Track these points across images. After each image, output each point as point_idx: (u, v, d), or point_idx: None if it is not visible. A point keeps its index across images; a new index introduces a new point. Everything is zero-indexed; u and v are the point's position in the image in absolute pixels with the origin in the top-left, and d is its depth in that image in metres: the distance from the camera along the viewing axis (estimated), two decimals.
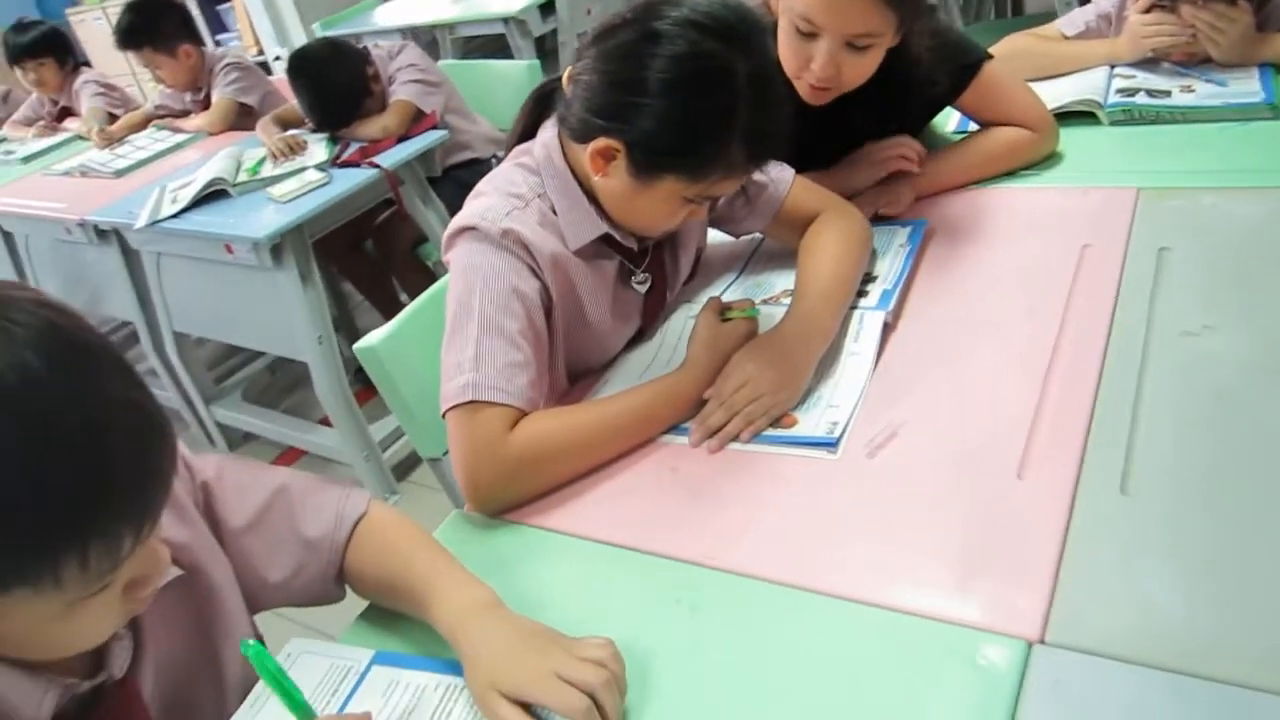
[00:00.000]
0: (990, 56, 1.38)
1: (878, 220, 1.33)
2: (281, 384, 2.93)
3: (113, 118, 3.35)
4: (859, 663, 0.75)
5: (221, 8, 5.67)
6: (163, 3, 3.12)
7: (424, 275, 2.62)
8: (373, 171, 2.23)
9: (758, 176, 1.20)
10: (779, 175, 1.23)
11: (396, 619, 0.89)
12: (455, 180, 2.53)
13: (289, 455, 2.68)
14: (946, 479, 0.89)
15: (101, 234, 2.54)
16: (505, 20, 3.65)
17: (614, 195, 1.05)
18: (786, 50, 1.23)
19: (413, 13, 4.11)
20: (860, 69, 1.22)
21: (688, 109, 0.95)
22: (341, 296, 3.11)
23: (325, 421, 2.44)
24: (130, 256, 2.56)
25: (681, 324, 1.21)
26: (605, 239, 1.10)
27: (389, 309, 2.76)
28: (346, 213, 2.28)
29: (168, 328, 2.61)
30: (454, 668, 0.80)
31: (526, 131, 1.16)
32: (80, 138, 3.36)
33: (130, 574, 0.68)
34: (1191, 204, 1.23)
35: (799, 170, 1.27)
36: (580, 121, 1.01)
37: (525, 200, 1.07)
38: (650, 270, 1.18)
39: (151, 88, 3.80)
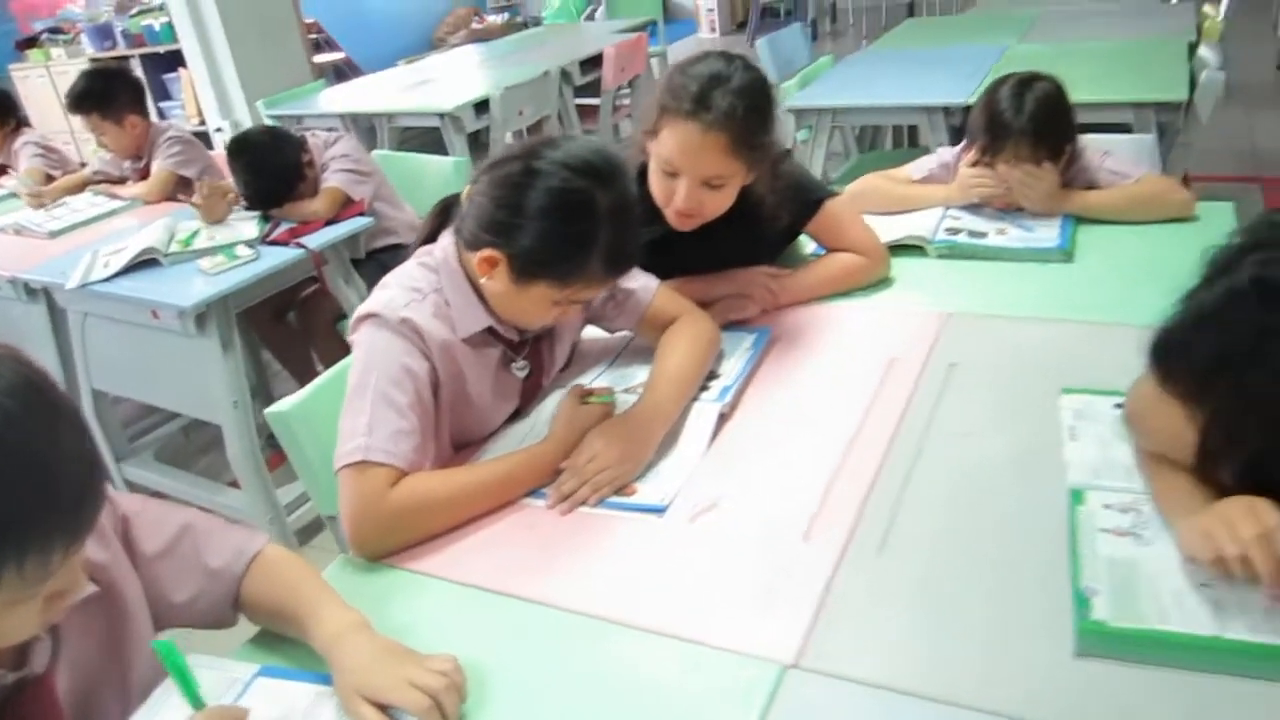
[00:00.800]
0: (834, 194, 1.65)
1: (731, 326, 1.56)
2: (195, 446, 3.03)
3: (50, 179, 3.47)
4: (656, 682, 0.93)
5: (168, 76, 5.84)
6: (118, 74, 3.30)
7: (342, 348, 2.72)
8: (299, 251, 2.41)
9: (627, 284, 1.43)
10: (646, 284, 1.46)
11: (282, 643, 1.05)
12: (378, 262, 2.72)
13: None
14: (748, 540, 1.10)
15: (30, 291, 2.66)
16: (441, 115, 3.90)
17: (497, 295, 1.26)
18: (656, 186, 1.48)
19: (354, 101, 4.34)
20: (717, 202, 1.47)
21: (557, 231, 1.18)
22: (261, 364, 3.25)
23: (235, 484, 2.56)
24: (56, 314, 2.68)
25: (554, 404, 1.40)
26: (490, 330, 1.31)
27: (305, 378, 2.88)
28: (271, 287, 2.45)
29: (86, 385, 2.71)
30: (327, 680, 0.96)
31: (431, 235, 1.37)
32: (15, 195, 3.47)
33: (55, 586, 0.83)
34: (984, 328, 1.49)
35: (676, 277, 1.50)
36: (472, 233, 1.23)
37: (423, 294, 1.27)
38: (529, 358, 1.39)
39: (91, 151, 3.93)
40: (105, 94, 3.12)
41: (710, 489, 1.20)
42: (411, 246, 1.39)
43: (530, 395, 1.43)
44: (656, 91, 1.46)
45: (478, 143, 4.11)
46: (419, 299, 1.26)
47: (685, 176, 1.42)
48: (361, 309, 1.26)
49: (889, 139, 4.14)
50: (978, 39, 3.65)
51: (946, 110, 2.94)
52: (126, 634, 0.99)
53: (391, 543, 1.17)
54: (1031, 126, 1.75)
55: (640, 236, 1.25)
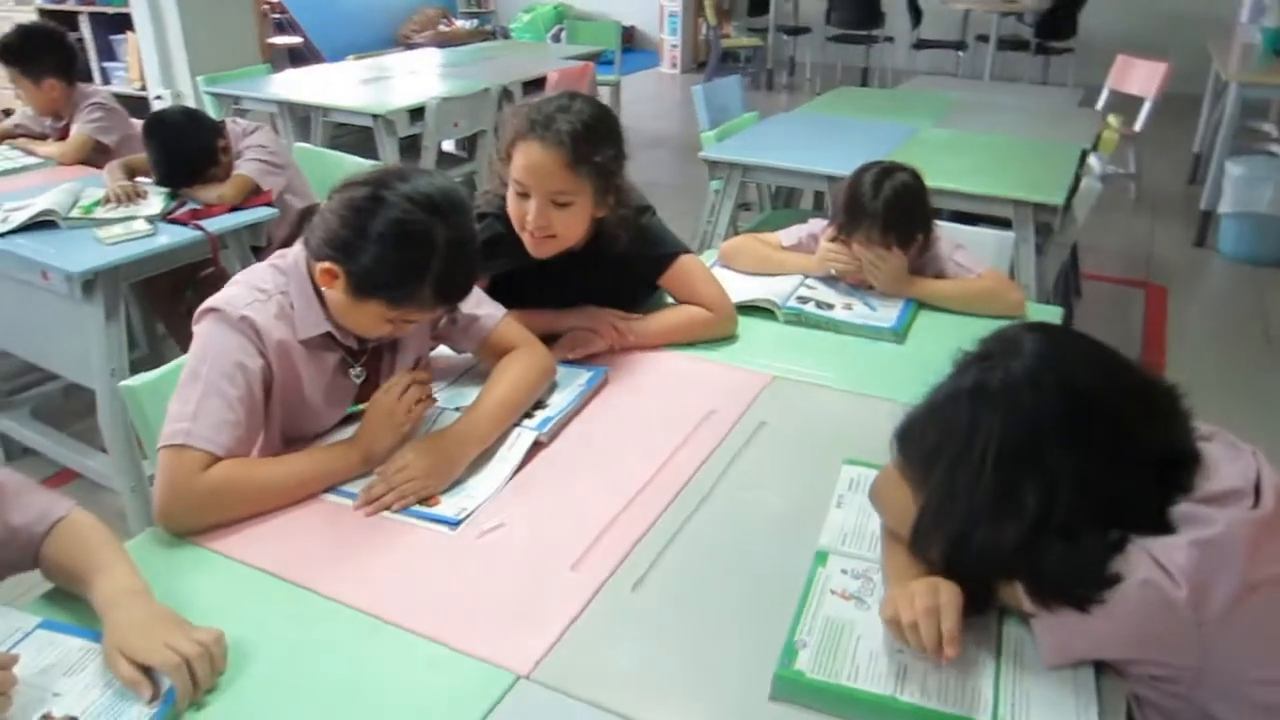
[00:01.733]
0: (687, 250, 1.78)
1: (571, 363, 1.66)
2: (73, 408, 3.03)
3: None
4: (398, 676, 1.02)
5: (115, 37, 5.80)
6: (49, 34, 3.31)
7: None
8: (198, 233, 2.46)
9: (474, 310, 1.53)
10: (492, 312, 1.56)
11: (73, 602, 1.11)
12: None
13: (62, 475, 2.78)
14: (522, 562, 1.19)
15: None
16: (375, 116, 3.97)
17: (336, 304, 1.35)
18: (512, 209, 1.61)
19: (293, 90, 4.38)
20: (566, 222, 1.59)
21: (393, 257, 1.27)
22: (155, 336, 3.27)
23: (105, 450, 2.58)
24: None
25: None
26: (330, 335, 1.39)
27: None
28: (165, 264, 2.49)
29: None
30: (99, 638, 1.03)
31: (289, 239, 1.45)
32: None
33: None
34: (801, 394, 1.62)
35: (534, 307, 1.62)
36: (317, 245, 1.31)
37: (268, 295, 1.35)
38: (368, 366, 1.47)
39: (16, 101, 3.92)
40: (28, 52, 3.14)
41: (503, 509, 1.29)
42: (269, 249, 1.47)
43: (366, 401, 1.51)
44: (510, 122, 1.59)
45: (412, 148, 4.18)
46: (262, 299, 1.34)
47: (534, 194, 1.56)
48: (206, 303, 1.33)
49: (808, 198, 4.31)
50: (897, 116, 3.83)
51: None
52: None
53: (197, 522, 1.24)
54: (884, 213, 1.89)
55: (474, 270, 1.35)
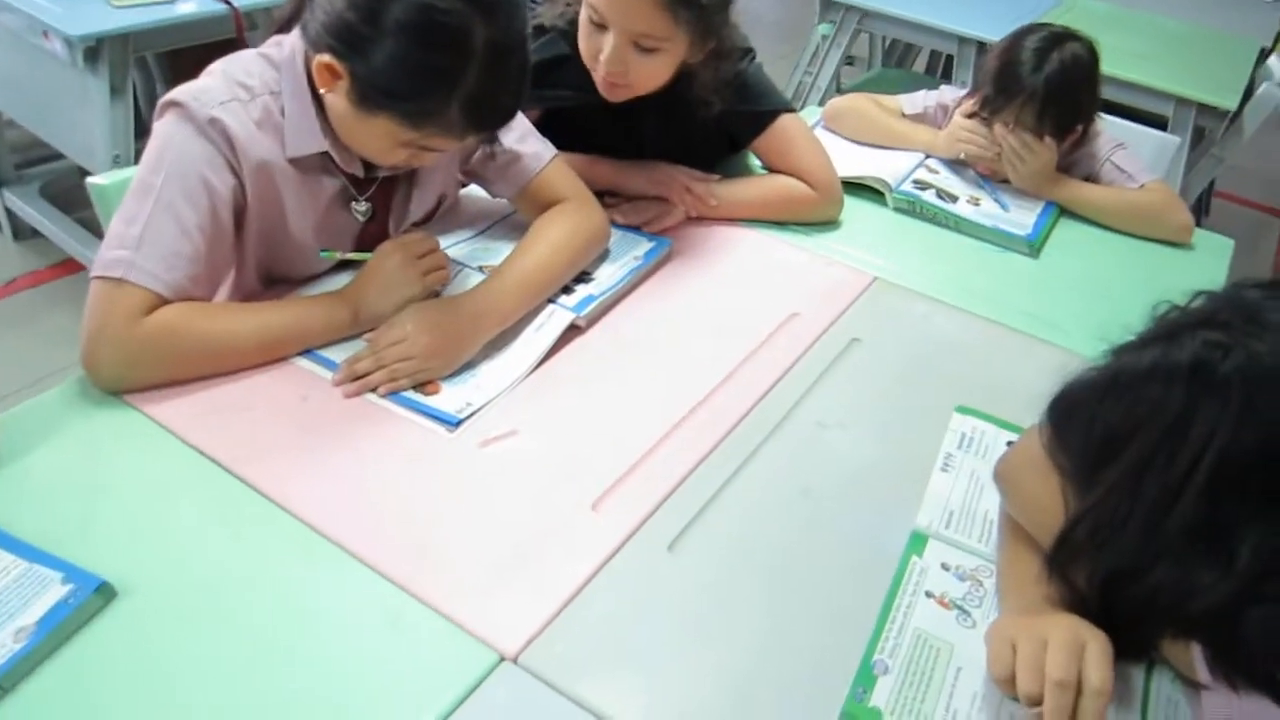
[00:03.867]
0: (791, 109, 1.41)
1: (633, 227, 1.35)
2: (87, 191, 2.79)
3: None
4: (360, 627, 0.77)
5: None
6: None
7: None
8: (221, 7, 2.13)
9: (516, 146, 1.21)
10: (539, 151, 1.24)
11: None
12: None
13: (67, 266, 2.57)
14: (532, 491, 0.92)
15: None
16: None
17: (336, 115, 1.03)
18: (583, 39, 1.24)
19: None
20: (647, 71, 1.23)
21: (413, 57, 0.94)
22: None
23: None
24: None
25: None
26: (327, 156, 1.09)
27: None
28: (183, 38, 2.16)
29: None
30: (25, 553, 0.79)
31: (291, 19, 1.11)
32: None
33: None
34: (908, 307, 1.30)
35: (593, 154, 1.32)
36: (316, 31, 0.99)
37: (252, 94, 1.04)
38: (375, 201, 1.17)
39: None
40: None
41: (517, 412, 1.01)
42: (265, 30, 1.14)
43: (370, 244, 1.21)
44: None
45: None
46: (244, 99, 1.03)
47: (614, 30, 1.18)
48: (169, 94, 1.02)
49: (923, 61, 3.82)
50: None
51: (981, 46, 2.65)
52: None
53: (132, 377, 0.97)
54: (1045, 91, 1.51)
55: (520, 90, 1.01)
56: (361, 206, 1.16)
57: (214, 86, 1.02)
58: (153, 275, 0.95)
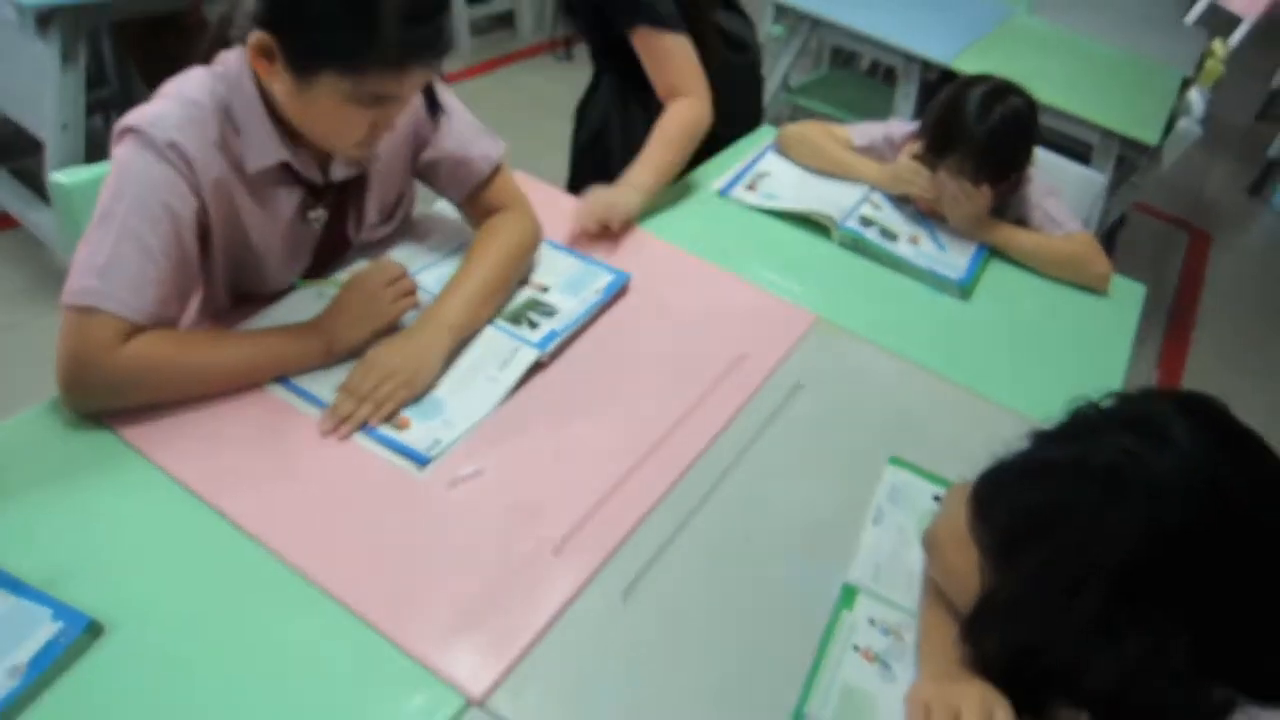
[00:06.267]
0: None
1: (590, 258, 1.40)
2: (23, 142, 2.71)
3: None
4: (328, 665, 0.83)
5: None
6: None
7: None
8: None
9: (464, 150, 1.27)
10: (486, 153, 1.30)
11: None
12: None
13: (2, 222, 2.50)
14: (495, 533, 0.99)
15: None
16: None
17: (285, 102, 1.04)
18: None
19: None
20: None
21: None
22: (128, 74, 2.89)
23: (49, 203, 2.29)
24: None
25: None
26: (287, 168, 1.11)
27: None
28: (138, 8, 2.13)
29: None
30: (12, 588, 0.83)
31: (221, 29, 1.09)
32: None
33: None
34: (847, 350, 1.38)
35: None
36: (242, 24, 1.01)
37: (205, 111, 1.04)
38: (333, 206, 1.21)
39: None
40: None
41: (484, 450, 1.07)
42: (207, 38, 1.13)
43: (331, 251, 1.25)
44: None
45: None
46: (198, 119, 1.04)
47: None
48: (125, 119, 1.02)
49: (867, 63, 3.91)
50: None
51: (925, 64, 2.74)
52: None
53: (109, 403, 1.01)
54: (985, 142, 1.59)
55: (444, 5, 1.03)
56: (317, 213, 1.19)
57: (169, 110, 1.03)
58: (122, 302, 0.98)
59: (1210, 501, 0.78)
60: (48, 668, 0.77)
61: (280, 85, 1.02)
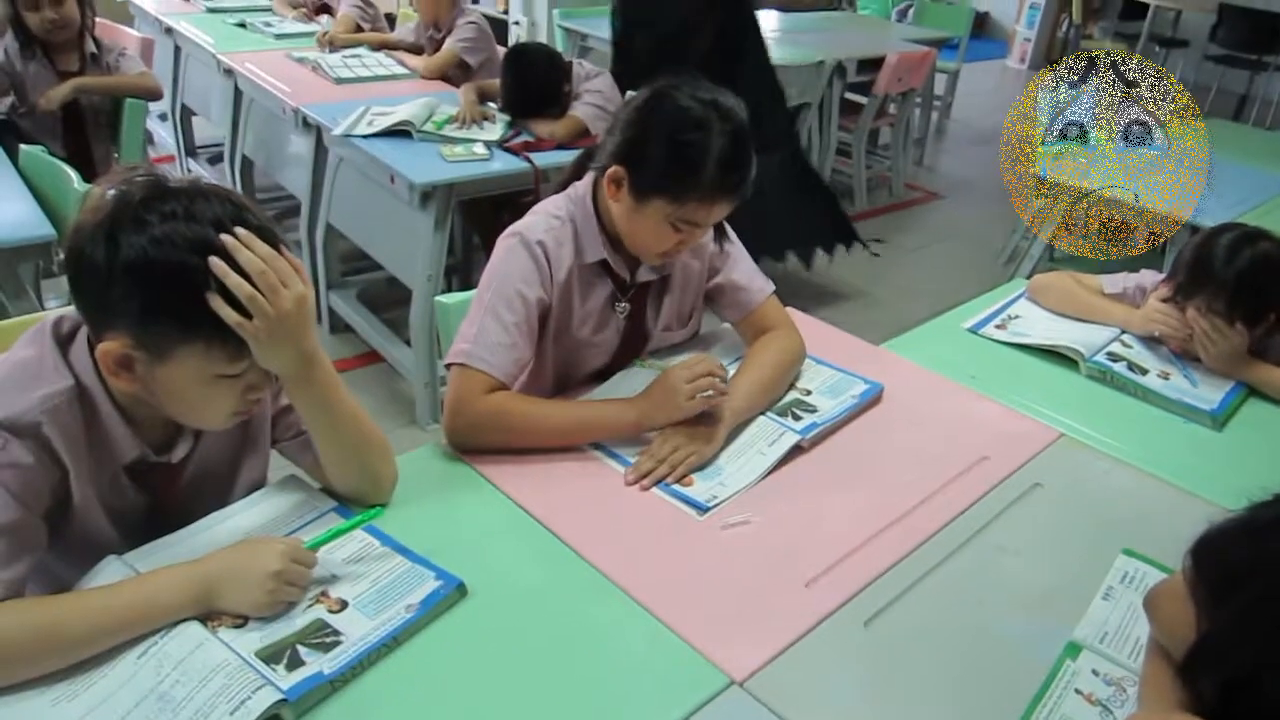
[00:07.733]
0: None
1: (848, 369, 1.63)
2: (393, 297, 3.36)
3: (359, 29, 3.87)
4: (619, 641, 1.07)
5: None
6: None
7: None
8: (525, 164, 2.63)
9: (744, 281, 1.58)
10: (761, 286, 1.61)
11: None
12: None
13: (370, 356, 3.11)
14: (759, 566, 1.20)
15: (306, 124, 3.03)
16: None
17: (620, 218, 1.43)
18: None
19: None
20: None
21: (674, 141, 1.35)
22: (469, 246, 3.54)
23: (410, 343, 2.86)
24: (320, 150, 3.04)
25: (648, 376, 1.50)
26: (604, 265, 1.48)
27: None
28: (491, 188, 2.70)
29: (324, 216, 3.08)
30: (410, 556, 1.15)
31: (573, 176, 1.55)
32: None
33: (252, 379, 1.03)
34: (1088, 461, 1.49)
35: None
36: (605, 160, 1.42)
37: (561, 220, 1.46)
38: (634, 302, 1.55)
39: (403, 13, 4.34)
40: None
41: (751, 506, 1.30)
42: (556, 187, 1.57)
43: (631, 342, 1.58)
44: None
45: None
46: (557, 225, 1.45)
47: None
48: (510, 228, 1.45)
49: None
50: (1271, 164, 3.39)
51: (1194, 229, 2.79)
52: (248, 443, 1.22)
53: (476, 441, 1.35)
54: (1235, 283, 1.68)
55: (750, 159, 1.39)
56: (622, 305, 1.54)
57: (537, 221, 1.45)
58: (484, 360, 1.35)
59: None
60: (431, 608, 1.07)
61: (619, 205, 1.41)
